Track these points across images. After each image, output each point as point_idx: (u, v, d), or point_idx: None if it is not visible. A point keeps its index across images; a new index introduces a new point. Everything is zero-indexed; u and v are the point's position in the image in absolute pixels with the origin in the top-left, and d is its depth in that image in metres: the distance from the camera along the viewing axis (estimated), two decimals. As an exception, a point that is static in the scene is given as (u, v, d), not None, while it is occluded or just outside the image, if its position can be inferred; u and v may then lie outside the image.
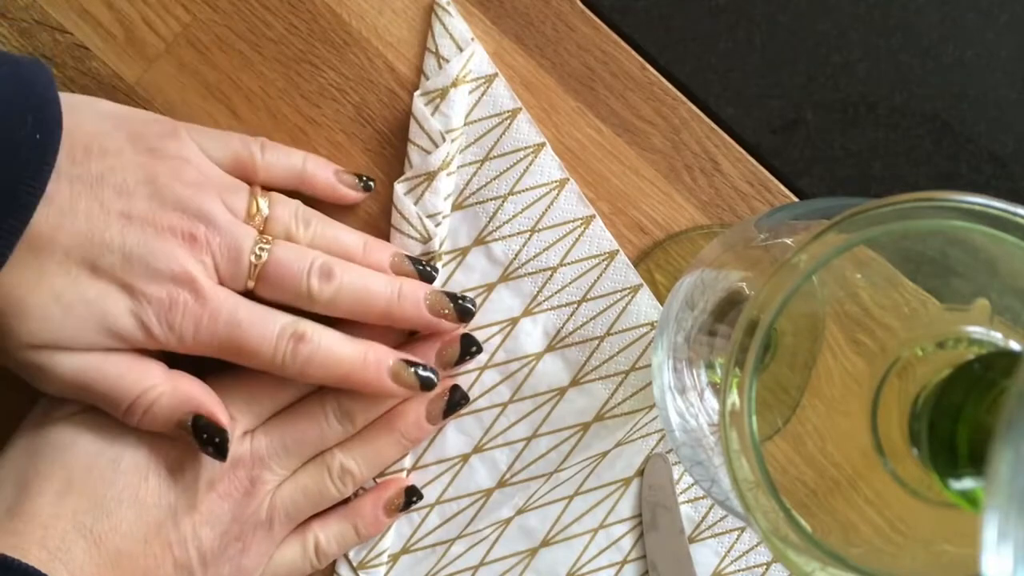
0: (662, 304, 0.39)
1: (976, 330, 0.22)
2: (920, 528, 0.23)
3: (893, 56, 0.41)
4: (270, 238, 0.35)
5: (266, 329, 0.34)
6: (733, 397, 0.22)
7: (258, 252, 0.35)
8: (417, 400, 0.38)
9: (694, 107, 0.40)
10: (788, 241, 0.26)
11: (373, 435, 0.37)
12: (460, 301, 0.38)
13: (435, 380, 0.37)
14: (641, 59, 0.40)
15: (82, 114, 0.34)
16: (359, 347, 0.36)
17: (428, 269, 0.38)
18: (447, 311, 0.37)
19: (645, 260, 0.40)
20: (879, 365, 0.23)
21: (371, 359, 0.36)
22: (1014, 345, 0.22)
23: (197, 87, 0.40)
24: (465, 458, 0.39)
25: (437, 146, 0.39)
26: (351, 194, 0.39)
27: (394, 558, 0.39)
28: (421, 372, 0.36)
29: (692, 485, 0.38)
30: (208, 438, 0.34)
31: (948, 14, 0.41)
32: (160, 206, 0.34)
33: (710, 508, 0.38)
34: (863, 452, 0.23)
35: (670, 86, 0.40)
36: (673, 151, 0.40)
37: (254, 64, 0.40)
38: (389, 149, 0.40)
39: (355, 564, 0.38)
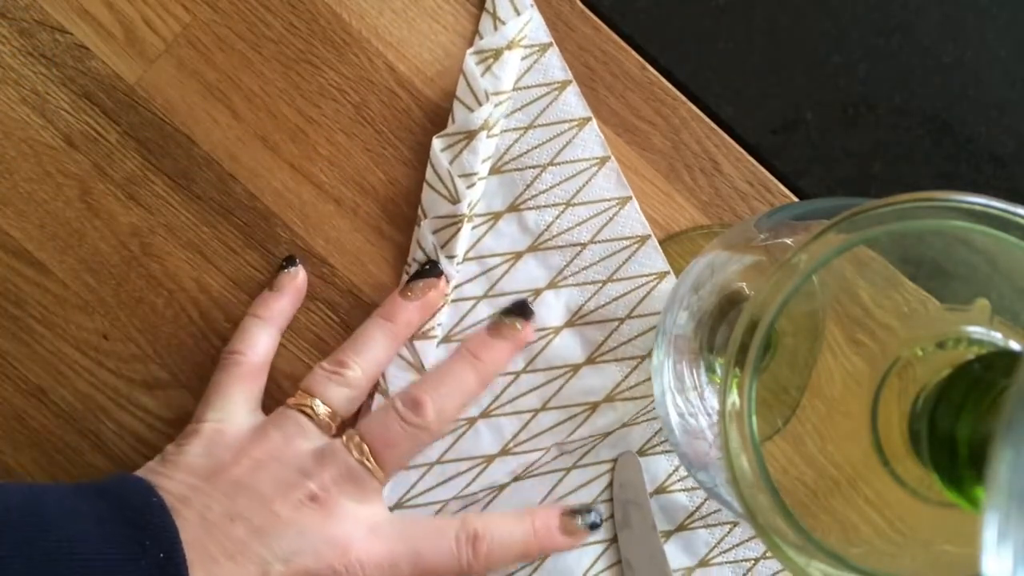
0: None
1: (976, 330, 0.22)
2: (920, 528, 0.23)
3: (893, 56, 0.41)
4: (350, 431, 0.36)
5: (444, 544, 0.35)
6: (733, 397, 0.22)
7: (356, 453, 0.35)
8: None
9: (694, 107, 0.40)
10: (788, 241, 0.26)
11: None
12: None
13: (600, 520, 0.38)
14: (641, 59, 0.40)
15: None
16: (526, 522, 0.37)
17: (432, 269, 0.38)
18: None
19: (645, 260, 0.39)
20: (879, 365, 0.23)
21: (540, 527, 0.37)
22: (1014, 345, 0.22)
23: (197, 87, 0.40)
24: (471, 421, 0.39)
25: (481, 105, 0.39)
26: (297, 281, 0.39)
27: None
28: (586, 518, 0.37)
29: (688, 475, 0.38)
30: None
31: (948, 14, 0.41)
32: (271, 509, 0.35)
33: (706, 499, 0.38)
34: (863, 452, 0.23)
35: (670, 86, 0.40)
36: (673, 151, 0.40)
37: (254, 64, 0.40)
38: (389, 149, 0.40)
39: None
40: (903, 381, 0.22)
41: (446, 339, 0.39)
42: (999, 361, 0.21)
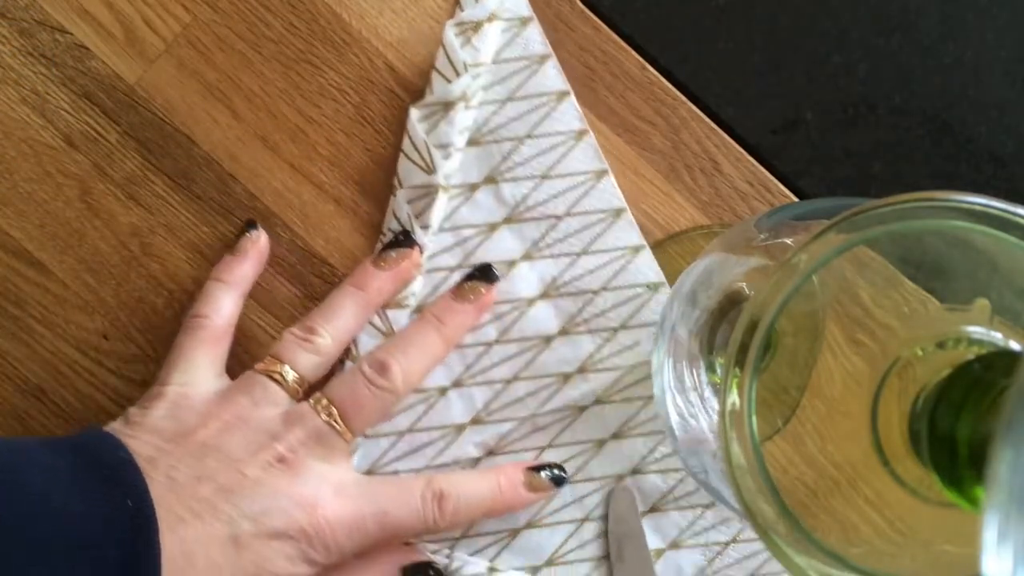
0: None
1: (976, 330, 0.22)
2: (920, 528, 0.23)
3: (893, 56, 0.41)
4: (318, 395, 0.36)
5: (410, 503, 0.35)
6: (733, 397, 0.22)
7: (324, 415, 0.35)
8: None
9: (694, 107, 0.40)
10: (788, 241, 0.26)
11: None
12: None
13: (566, 475, 0.38)
14: (641, 59, 0.40)
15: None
16: (490, 478, 0.37)
17: (406, 240, 0.38)
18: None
19: (645, 260, 0.39)
20: (879, 365, 0.23)
21: (504, 484, 0.37)
22: (1014, 345, 0.22)
23: (197, 87, 0.40)
24: (443, 391, 0.39)
25: (459, 76, 0.39)
26: (259, 245, 0.39)
27: None
28: (551, 472, 0.38)
29: (665, 456, 0.38)
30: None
31: (948, 14, 0.41)
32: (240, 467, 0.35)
33: (680, 481, 0.38)
34: (863, 452, 0.23)
35: (670, 86, 0.40)
36: (673, 151, 0.40)
37: (254, 64, 0.40)
38: (389, 149, 0.40)
39: None
40: (903, 381, 0.22)
41: (419, 309, 0.39)
42: (999, 361, 0.21)
